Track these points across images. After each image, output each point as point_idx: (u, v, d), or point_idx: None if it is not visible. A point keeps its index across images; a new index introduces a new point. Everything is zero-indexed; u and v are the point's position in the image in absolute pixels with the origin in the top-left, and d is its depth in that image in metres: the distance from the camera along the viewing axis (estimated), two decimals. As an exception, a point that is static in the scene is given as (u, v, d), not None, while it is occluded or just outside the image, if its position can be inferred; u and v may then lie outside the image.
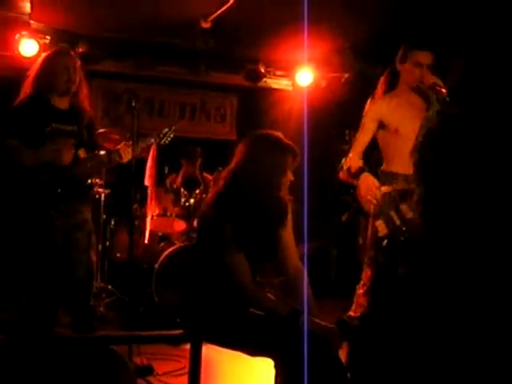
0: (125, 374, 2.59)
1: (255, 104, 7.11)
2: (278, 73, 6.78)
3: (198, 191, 5.42)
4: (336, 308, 4.07)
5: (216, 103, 7.38)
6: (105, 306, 5.08)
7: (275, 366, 2.47)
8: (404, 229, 3.66)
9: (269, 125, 3.27)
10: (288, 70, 6.72)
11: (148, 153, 4.80)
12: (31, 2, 5.15)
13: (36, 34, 5.57)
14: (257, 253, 2.69)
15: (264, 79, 6.71)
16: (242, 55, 6.42)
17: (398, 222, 3.67)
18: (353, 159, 3.80)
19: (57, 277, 3.73)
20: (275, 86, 6.95)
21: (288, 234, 2.83)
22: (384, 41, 5.05)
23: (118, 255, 4.72)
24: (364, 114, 3.89)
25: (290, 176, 2.77)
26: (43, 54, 3.84)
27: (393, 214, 3.67)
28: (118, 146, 3.77)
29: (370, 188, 3.67)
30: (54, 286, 3.74)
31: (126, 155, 3.74)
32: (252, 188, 2.68)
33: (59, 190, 3.62)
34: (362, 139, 3.81)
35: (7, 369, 2.17)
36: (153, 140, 4.13)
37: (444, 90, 3.55)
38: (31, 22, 5.51)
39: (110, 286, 5.31)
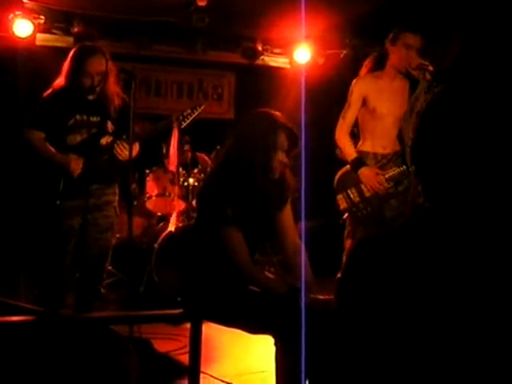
0: (125, 354, 2.59)
1: (253, 82, 7.05)
2: (276, 50, 6.70)
3: (196, 170, 5.41)
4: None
5: (213, 82, 7.33)
6: (105, 287, 5.09)
7: (275, 344, 2.47)
8: (361, 206, 3.78)
9: (267, 103, 3.24)
10: (285, 48, 6.64)
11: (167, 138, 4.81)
12: (25, -18, 5.09)
13: (30, 13, 5.47)
14: (255, 231, 2.69)
15: (261, 57, 6.64)
16: (238, 33, 6.35)
17: (356, 199, 3.84)
18: (346, 144, 3.87)
19: (66, 257, 3.79)
20: (273, 63, 6.87)
21: (287, 212, 2.82)
22: (382, 17, 5.00)
23: (117, 236, 4.71)
24: (350, 91, 3.95)
25: (281, 157, 2.62)
26: (72, 51, 3.78)
27: (353, 190, 3.84)
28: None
29: (374, 182, 3.78)
30: (63, 266, 3.79)
31: (121, 154, 3.75)
32: (241, 167, 2.63)
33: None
34: (351, 117, 3.89)
35: (11, 350, 2.17)
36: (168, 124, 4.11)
37: (431, 68, 3.65)
38: (25, 1, 5.43)
39: (109, 267, 5.31)
